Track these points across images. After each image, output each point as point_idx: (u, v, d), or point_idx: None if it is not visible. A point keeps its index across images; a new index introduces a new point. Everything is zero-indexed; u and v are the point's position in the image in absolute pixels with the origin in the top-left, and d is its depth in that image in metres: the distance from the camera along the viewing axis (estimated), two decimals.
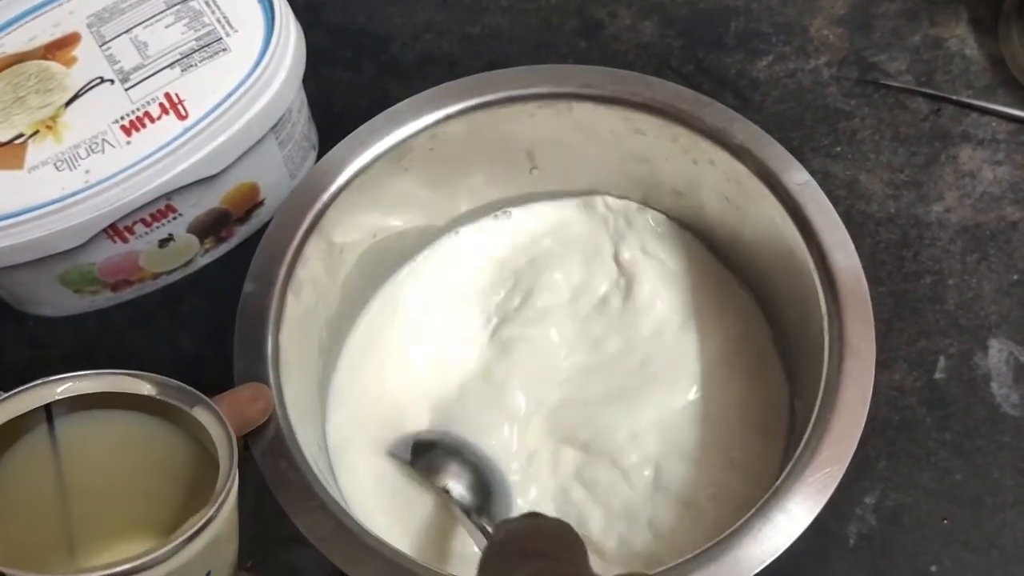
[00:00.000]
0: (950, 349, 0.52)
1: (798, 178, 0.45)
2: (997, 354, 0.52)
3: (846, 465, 0.39)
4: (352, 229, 0.49)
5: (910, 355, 0.52)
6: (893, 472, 0.49)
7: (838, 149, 0.58)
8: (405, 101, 0.48)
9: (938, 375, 0.52)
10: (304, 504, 0.39)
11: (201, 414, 0.33)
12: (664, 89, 0.47)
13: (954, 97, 0.59)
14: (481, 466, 0.47)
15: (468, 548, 0.45)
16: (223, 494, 0.31)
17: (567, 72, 0.48)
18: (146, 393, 0.33)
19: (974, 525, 0.48)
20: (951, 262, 0.55)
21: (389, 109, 0.48)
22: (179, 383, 0.33)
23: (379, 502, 0.47)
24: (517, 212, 0.54)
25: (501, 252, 0.54)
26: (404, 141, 0.48)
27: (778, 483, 0.39)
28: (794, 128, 0.59)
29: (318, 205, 0.46)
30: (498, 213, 0.54)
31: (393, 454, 0.48)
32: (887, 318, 0.53)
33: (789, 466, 0.39)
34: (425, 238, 0.53)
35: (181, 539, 0.29)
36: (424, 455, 0.47)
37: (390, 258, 0.53)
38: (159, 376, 0.33)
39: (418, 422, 0.49)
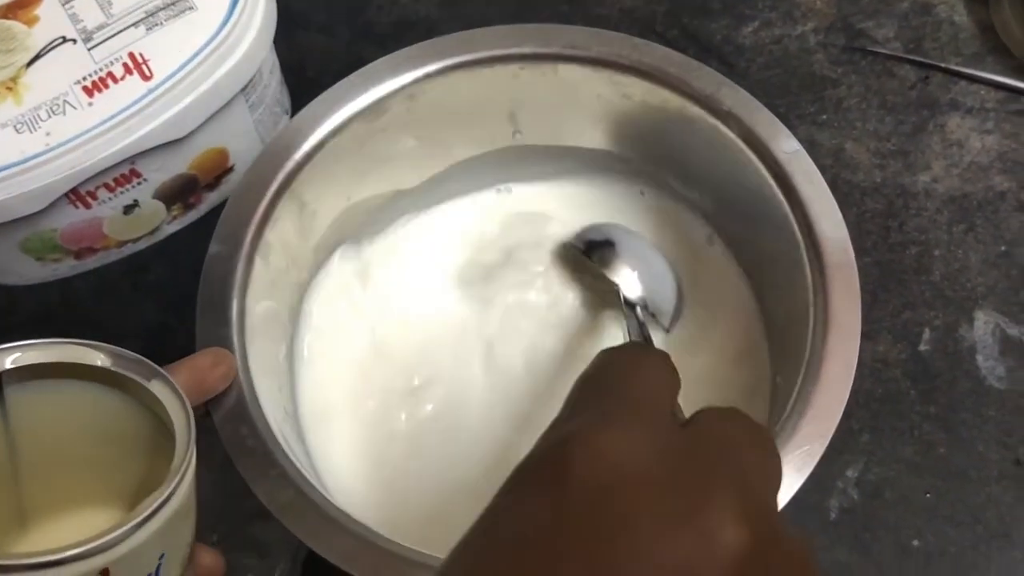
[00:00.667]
0: (935, 321, 0.52)
1: (787, 146, 0.43)
2: (983, 326, 0.51)
3: (827, 443, 0.37)
4: (325, 191, 0.47)
5: (895, 327, 0.52)
6: (876, 445, 0.49)
7: (824, 117, 0.57)
8: (382, 59, 0.46)
9: (923, 347, 0.51)
10: (264, 472, 0.37)
11: (158, 387, 0.31)
12: (651, 52, 0.46)
13: (942, 65, 0.58)
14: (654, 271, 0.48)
15: (449, 512, 0.44)
16: (178, 474, 0.29)
17: (552, 32, 0.47)
18: (100, 364, 0.31)
19: (958, 499, 0.47)
20: (937, 232, 0.54)
21: (365, 67, 0.46)
22: (136, 355, 0.32)
23: (354, 470, 0.45)
24: (503, 184, 0.53)
25: (481, 217, 0.52)
26: (380, 101, 0.46)
27: None
28: (780, 96, 0.58)
29: (289, 165, 0.44)
30: (487, 187, 0.53)
31: (568, 244, 0.49)
32: (872, 289, 0.52)
33: None
34: (403, 201, 0.52)
35: (131, 524, 0.27)
36: (597, 250, 0.48)
37: (366, 221, 0.51)
38: (114, 347, 0.32)
39: (397, 383, 0.48)
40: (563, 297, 0.50)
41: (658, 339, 0.48)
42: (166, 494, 0.28)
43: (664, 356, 0.29)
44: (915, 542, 0.47)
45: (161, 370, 0.32)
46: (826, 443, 0.38)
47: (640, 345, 0.29)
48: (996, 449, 0.48)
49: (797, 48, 0.60)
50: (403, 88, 0.46)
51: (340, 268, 0.50)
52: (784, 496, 0.37)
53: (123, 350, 0.32)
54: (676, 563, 0.21)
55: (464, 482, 0.45)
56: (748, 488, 0.23)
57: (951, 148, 0.56)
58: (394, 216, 0.52)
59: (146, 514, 0.28)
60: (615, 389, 0.26)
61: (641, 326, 0.44)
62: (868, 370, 0.50)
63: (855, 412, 0.49)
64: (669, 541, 0.21)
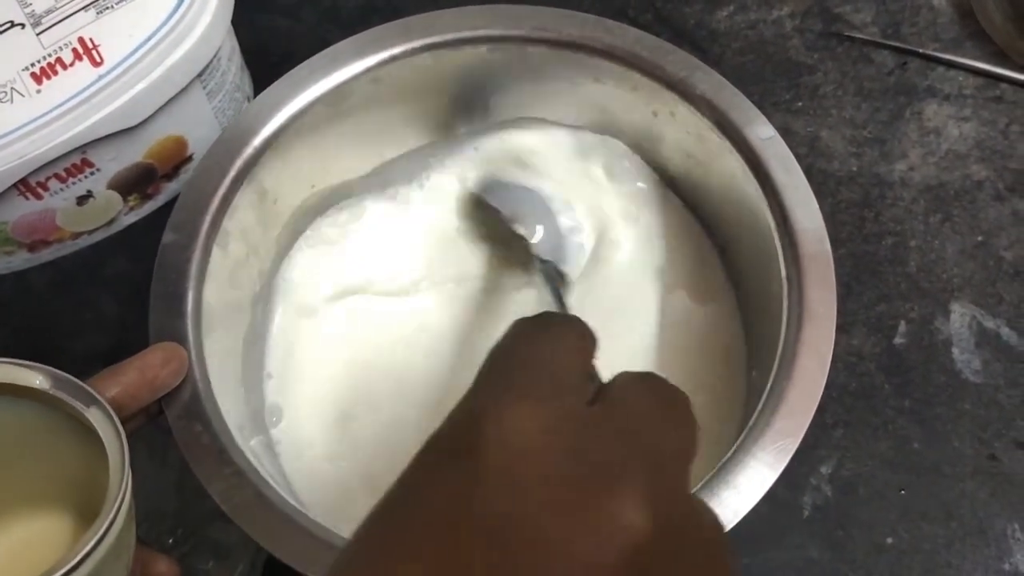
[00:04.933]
0: (911, 313, 0.51)
1: (763, 133, 0.42)
2: (959, 318, 0.50)
3: (800, 439, 0.37)
4: (287, 178, 0.45)
5: (869, 319, 0.51)
6: (850, 441, 0.48)
7: (799, 104, 0.56)
8: (346, 40, 0.45)
9: (898, 340, 0.50)
10: (219, 471, 0.36)
11: (95, 416, 0.30)
12: (624, 35, 0.45)
13: (921, 50, 0.57)
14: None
15: None
16: (108, 518, 0.28)
17: (521, 13, 0.45)
18: (37, 386, 0.30)
19: (932, 495, 0.47)
20: (913, 223, 0.53)
21: (328, 49, 0.45)
22: (75, 380, 0.31)
23: (321, 468, 0.44)
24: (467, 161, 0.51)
25: (449, 205, 0.50)
26: (344, 84, 0.45)
27: (726, 458, 0.37)
28: (754, 82, 0.56)
29: (248, 151, 0.43)
30: (447, 162, 0.51)
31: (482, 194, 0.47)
32: (847, 281, 0.51)
33: (739, 439, 0.37)
34: (369, 189, 0.50)
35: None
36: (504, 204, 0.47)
37: (330, 208, 0.50)
38: (54, 370, 0.31)
39: (361, 373, 0.47)
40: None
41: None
42: (93, 542, 0.28)
43: (575, 322, 0.29)
44: (889, 539, 0.46)
45: (100, 398, 0.31)
46: (799, 439, 0.37)
47: (551, 315, 0.29)
48: (971, 444, 0.48)
49: (772, 33, 0.58)
50: (367, 71, 0.45)
51: (303, 256, 0.49)
52: (757, 493, 0.36)
53: (63, 374, 0.31)
54: (574, 551, 0.21)
55: None
56: (656, 467, 0.23)
57: (928, 136, 0.55)
58: (359, 201, 0.50)
59: (72, 564, 0.27)
60: (527, 362, 0.26)
61: (553, 284, 0.43)
62: (842, 363, 0.49)
63: (828, 406, 0.48)
64: (569, 530, 0.21)
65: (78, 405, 0.30)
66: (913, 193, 0.54)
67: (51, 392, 0.30)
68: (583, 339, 0.28)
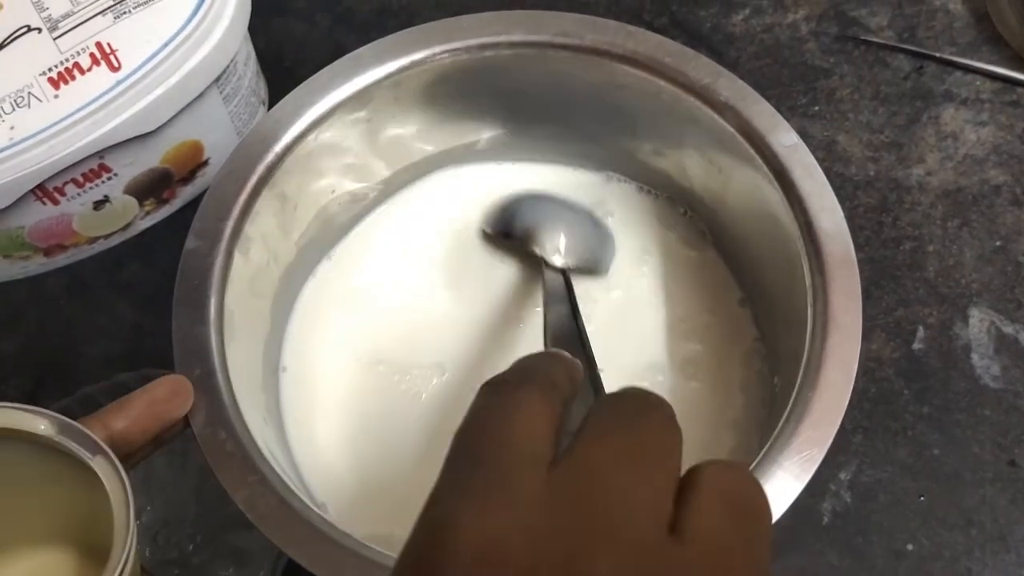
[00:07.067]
0: (929, 318, 0.51)
1: (786, 139, 0.42)
2: (978, 324, 0.50)
3: (825, 450, 0.36)
4: (308, 184, 0.45)
5: (888, 325, 0.50)
6: (869, 447, 0.48)
7: (816, 109, 0.56)
8: (367, 46, 0.45)
9: (917, 346, 0.50)
10: (243, 479, 0.36)
11: (100, 465, 0.30)
12: (646, 40, 0.44)
13: (937, 54, 0.57)
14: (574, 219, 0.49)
15: None
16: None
17: (543, 19, 0.45)
18: (42, 432, 0.30)
19: (952, 502, 0.47)
20: (931, 227, 0.53)
21: (349, 54, 0.45)
22: (81, 427, 0.31)
23: (338, 473, 0.44)
24: (486, 168, 0.52)
25: (467, 209, 0.51)
26: (365, 89, 0.44)
27: (752, 466, 0.37)
28: (770, 86, 0.56)
29: (270, 157, 0.43)
30: (466, 168, 0.51)
31: (485, 231, 0.49)
32: (865, 286, 0.50)
33: (764, 448, 0.37)
34: (388, 194, 0.50)
35: None
36: (510, 222, 0.49)
37: (351, 214, 0.50)
38: (60, 416, 0.31)
39: (383, 380, 0.47)
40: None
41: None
42: None
43: (542, 384, 0.25)
44: (909, 546, 0.46)
45: (105, 447, 0.31)
46: (825, 449, 0.37)
47: (518, 378, 0.25)
48: (991, 450, 0.48)
49: (788, 37, 0.58)
50: (388, 76, 0.45)
51: (324, 262, 0.49)
52: (783, 503, 0.36)
53: (68, 420, 0.31)
54: None
55: None
56: (624, 549, 0.21)
57: (945, 140, 0.55)
58: (378, 206, 0.50)
59: None
60: (488, 452, 0.24)
61: (569, 292, 0.44)
62: (861, 369, 0.48)
63: (848, 412, 0.47)
64: None
65: (83, 454, 0.30)
66: (931, 198, 0.53)
67: (56, 439, 0.30)
68: (548, 404, 0.25)
